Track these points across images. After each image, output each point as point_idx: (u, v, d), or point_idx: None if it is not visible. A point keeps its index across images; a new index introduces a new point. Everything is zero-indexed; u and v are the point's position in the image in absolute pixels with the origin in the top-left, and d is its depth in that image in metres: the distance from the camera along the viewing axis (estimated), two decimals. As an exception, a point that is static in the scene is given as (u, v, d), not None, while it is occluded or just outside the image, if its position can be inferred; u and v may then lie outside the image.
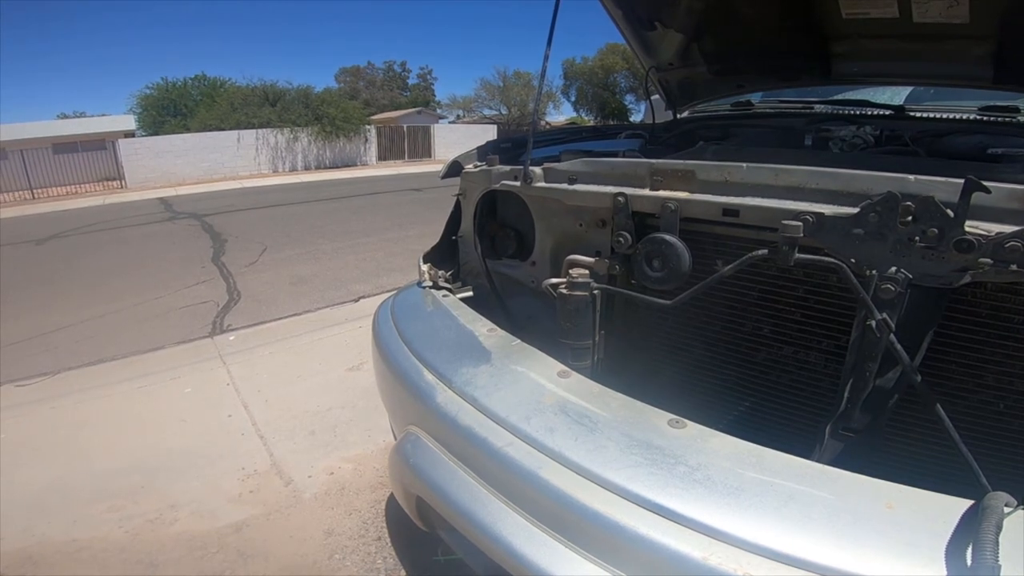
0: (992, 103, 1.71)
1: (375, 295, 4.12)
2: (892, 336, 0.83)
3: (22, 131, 18.02)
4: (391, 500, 1.86)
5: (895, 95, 2.08)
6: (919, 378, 0.84)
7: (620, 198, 1.11)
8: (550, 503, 0.78)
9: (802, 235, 0.85)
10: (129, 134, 19.68)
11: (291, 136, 17.99)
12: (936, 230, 0.78)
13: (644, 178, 1.11)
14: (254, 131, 17.49)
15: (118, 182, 15.50)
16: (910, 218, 0.80)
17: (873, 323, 0.84)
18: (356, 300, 4.16)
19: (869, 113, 1.81)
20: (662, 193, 1.07)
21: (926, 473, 0.92)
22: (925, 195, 0.79)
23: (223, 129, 17.55)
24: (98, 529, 1.80)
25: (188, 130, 18.71)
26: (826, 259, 0.86)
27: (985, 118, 1.64)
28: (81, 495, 1.96)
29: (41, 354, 3.41)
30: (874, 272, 0.85)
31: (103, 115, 23.61)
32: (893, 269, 0.83)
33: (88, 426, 2.46)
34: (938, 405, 0.82)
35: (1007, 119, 1.61)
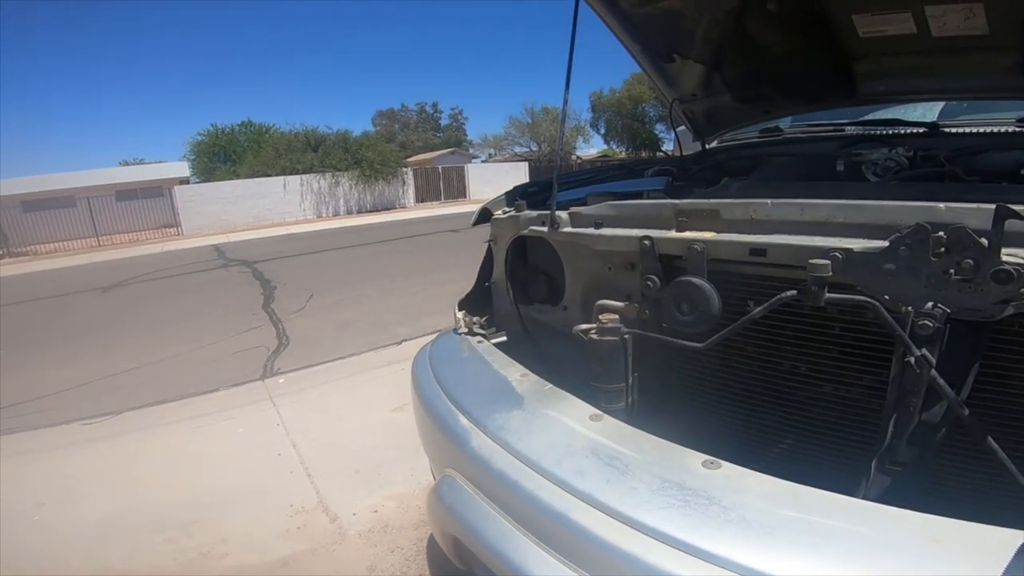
0: None
1: (416, 338, 4.19)
2: (934, 371, 0.80)
3: (89, 179, 19.40)
4: (432, 538, 1.87)
5: (928, 111, 2.01)
6: (966, 412, 0.80)
7: (646, 241, 1.09)
8: (581, 543, 0.79)
9: (831, 273, 0.82)
10: (184, 180, 20.77)
11: (333, 181, 18.72)
12: (971, 261, 0.74)
13: (669, 219, 1.09)
14: (298, 177, 18.32)
15: (175, 229, 16.48)
16: (943, 250, 0.77)
17: (912, 359, 0.81)
18: (399, 343, 4.24)
19: (902, 132, 1.75)
20: (688, 235, 1.05)
21: (985, 506, 0.87)
22: (957, 225, 0.75)
23: (270, 175, 18.46)
24: (153, 560, 1.89)
25: (237, 175, 19.78)
26: (858, 297, 0.83)
27: None
28: (139, 527, 2.07)
29: (106, 395, 3.63)
30: (910, 308, 0.81)
31: (160, 162, 25.13)
32: (929, 304, 0.79)
33: (148, 462, 2.60)
34: (989, 437, 0.78)
35: None
